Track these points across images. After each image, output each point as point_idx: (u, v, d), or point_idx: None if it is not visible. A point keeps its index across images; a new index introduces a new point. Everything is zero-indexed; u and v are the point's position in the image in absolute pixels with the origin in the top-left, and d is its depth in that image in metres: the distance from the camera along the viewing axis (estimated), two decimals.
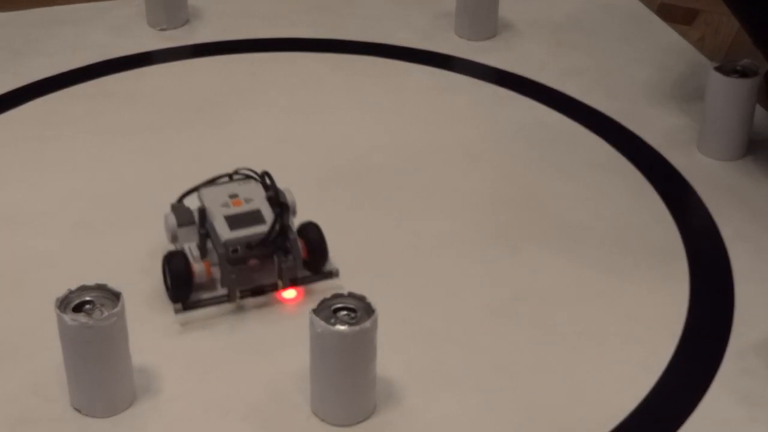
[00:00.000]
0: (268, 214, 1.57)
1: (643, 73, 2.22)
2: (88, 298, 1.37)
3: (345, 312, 1.36)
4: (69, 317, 1.33)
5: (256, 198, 1.60)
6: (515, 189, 1.86)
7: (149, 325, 1.53)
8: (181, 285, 1.55)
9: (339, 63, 2.25)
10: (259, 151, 1.92)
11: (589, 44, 2.33)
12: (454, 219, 1.79)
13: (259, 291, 1.58)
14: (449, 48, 2.30)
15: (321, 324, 1.32)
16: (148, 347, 1.48)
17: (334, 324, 1.32)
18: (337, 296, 1.38)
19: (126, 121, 2.04)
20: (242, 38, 2.33)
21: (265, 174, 1.63)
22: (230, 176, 1.65)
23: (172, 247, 1.61)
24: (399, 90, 2.16)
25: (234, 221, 1.56)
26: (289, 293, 1.59)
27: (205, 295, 1.58)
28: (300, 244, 1.58)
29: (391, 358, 1.49)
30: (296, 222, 1.63)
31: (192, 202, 1.62)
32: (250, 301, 1.58)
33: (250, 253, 1.54)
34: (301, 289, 1.60)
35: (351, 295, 1.38)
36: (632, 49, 2.32)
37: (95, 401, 1.39)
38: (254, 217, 1.56)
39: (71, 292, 1.37)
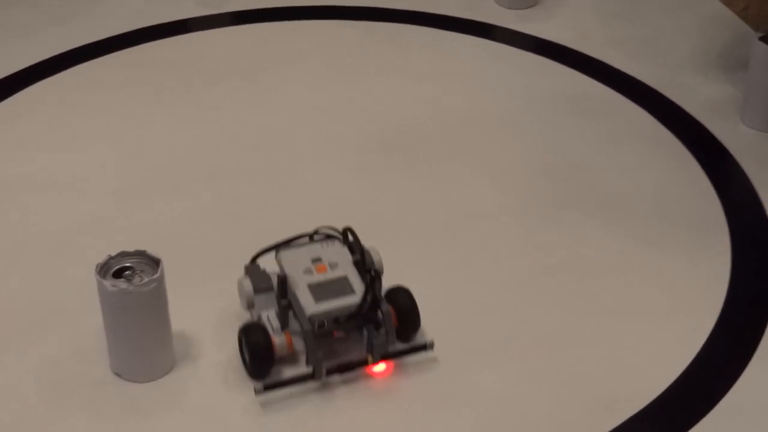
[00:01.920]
0: (356, 281, 1.40)
1: (686, 43, 2.20)
2: (128, 264, 1.37)
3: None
4: (109, 283, 1.34)
5: (341, 262, 1.42)
6: (556, 159, 1.85)
7: (187, 290, 1.53)
8: (262, 361, 1.39)
9: (379, 31, 2.24)
10: (297, 119, 1.92)
11: (632, 13, 2.31)
12: (494, 189, 1.78)
13: (346, 368, 1.40)
14: (491, 17, 2.29)
15: None
16: (187, 314, 1.49)
17: None
18: None
19: (165, 87, 2.05)
20: (281, 5, 2.32)
21: (348, 231, 1.46)
22: (311, 236, 1.48)
23: (246, 316, 1.48)
24: (440, 59, 2.14)
25: (320, 291, 1.38)
26: (380, 367, 1.42)
27: (288, 373, 1.41)
28: (391, 311, 1.40)
29: (431, 327, 1.49)
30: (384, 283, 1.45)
31: (266, 262, 1.48)
32: (337, 377, 1.42)
33: (337, 326, 1.38)
34: (392, 362, 1.43)
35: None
36: (675, 18, 2.29)
37: (135, 366, 1.40)
38: (341, 286, 1.39)
39: (111, 258, 1.38)
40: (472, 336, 1.49)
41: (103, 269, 1.36)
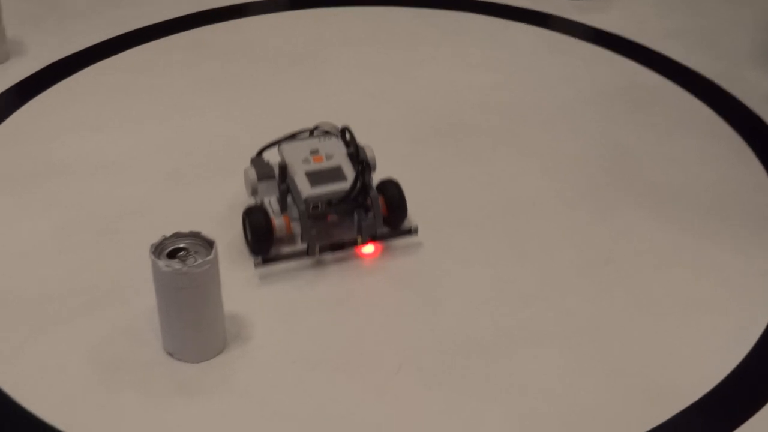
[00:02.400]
0: (349, 171, 1.57)
1: (745, 35, 2.17)
2: (182, 245, 1.38)
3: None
4: (163, 263, 1.34)
5: (336, 154, 1.59)
6: (611, 150, 1.84)
7: (236, 274, 1.54)
8: (262, 239, 1.56)
9: (435, 18, 2.23)
10: (350, 105, 1.92)
11: (692, 4, 2.29)
12: (547, 178, 1.77)
13: (338, 246, 1.58)
14: (549, 6, 2.27)
15: None
16: (239, 296, 1.49)
17: None
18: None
19: (219, 72, 2.05)
20: None
21: (346, 130, 1.62)
22: (311, 132, 1.65)
23: (251, 201, 1.62)
24: (496, 48, 2.13)
25: (315, 177, 1.55)
26: (368, 248, 1.59)
27: (285, 250, 1.58)
28: (380, 201, 1.58)
29: (480, 315, 1.48)
30: (376, 178, 1.63)
31: (272, 156, 1.63)
32: (329, 256, 1.58)
33: (330, 209, 1.55)
34: (380, 244, 1.60)
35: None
36: (735, 10, 2.27)
37: (187, 346, 1.40)
38: (335, 174, 1.56)
39: (166, 238, 1.38)
40: (520, 325, 1.48)
41: (157, 249, 1.37)
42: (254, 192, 1.61)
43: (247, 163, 1.63)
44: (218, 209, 1.68)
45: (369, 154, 1.62)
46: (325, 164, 1.57)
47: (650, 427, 1.34)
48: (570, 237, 1.65)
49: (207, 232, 1.39)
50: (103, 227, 1.65)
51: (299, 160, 1.57)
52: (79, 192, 1.73)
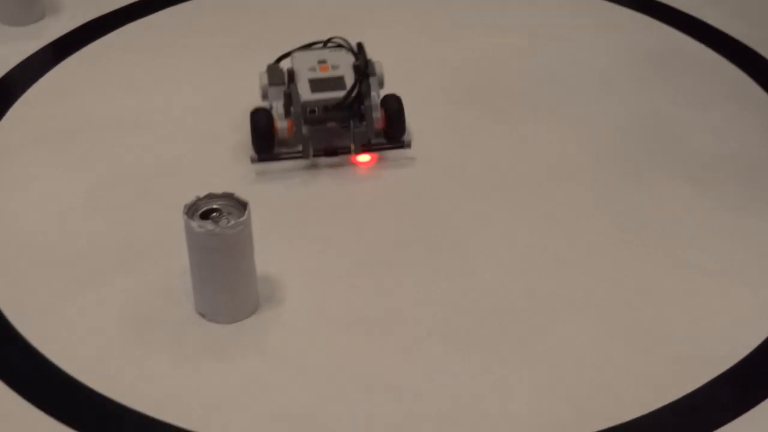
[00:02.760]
0: (350, 81, 1.64)
1: None
2: (215, 206, 1.38)
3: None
4: (196, 224, 1.35)
5: (342, 65, 1.66)
6: (646, 117, 1.82)
7: (270, 235, 1.54)
8: (263, 138, 1.64)
9: None
10: (385, 66, 1.91)
11: None
12: (580, 145, 1.76)
13: (332, 152, 1.66)
14: None
15: None
16: (272, 257, 1.50)
17: None
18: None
19: (256, 33, 2.05)
20: None
21: (359, 45, 1.69)
22: (325, 43, 1.72)
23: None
24: (534, 13, 2.12)
25: (317, 84, 1.62)
26: (363, 157, 1.67)
27: (284, 150, 1.67)
28: (381, 114, 1.65)
29: (512, 280, 1.48)
30: (382, 93, 1.69)
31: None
32: (325, 160, 1.67)
33: (326, 115, 1.62)
34: (375, 154, 1.68)
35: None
36: None
37: (219, 307, 1.41)
38: (336, 83, 1.63)
39: (199, 199, 1.39)
40: (552, 291, 1.48)
41: (190, 210, 1.37)
42: (265, 96, 1.69)
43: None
44: (252, 171, 1.68)
45: (377, 69, 1.68)
46: (329, 73, 1.65)
47: (680, 396, 1.34)
48: (604, 203, 1.64)
49: (241, 193, 1.40)
50: (138, 187, 1.66)
51: (306, 68, 1.66)
52: (114, 151, 1.74)
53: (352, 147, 1.65)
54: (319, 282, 1.49)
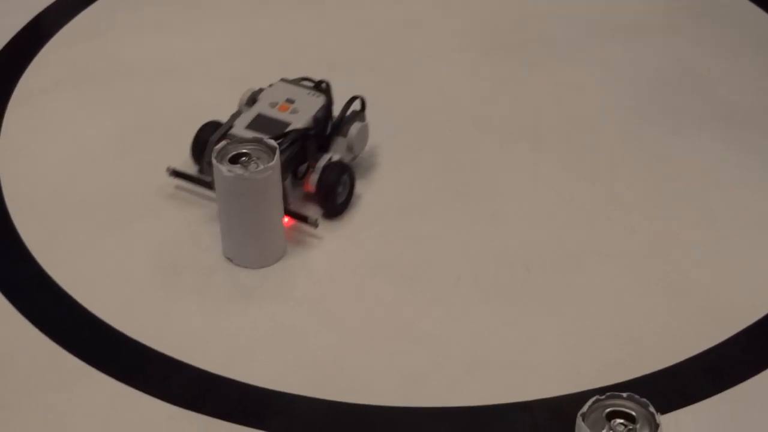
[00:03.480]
0: (293, 130, 1.48)
1: None
2: (244, 151, 1.38)
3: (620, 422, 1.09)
4: (225, 168, 1.35)
5: (305, 113, 1.51)
6: (678, 68, 1.81)
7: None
8: (196, 150, 1.53)
9: None
10: (419, 12, 1.90)
11: None
12: (615, 94, 1.75)
13: None
14: None
15: None
16: (300, 206, 1.50)
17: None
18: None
19: None
20: None
21: (356, 98, 1.54)
22: (318, 84, 1.56)
23: None
24: None
25: (258, 122, 1.49)
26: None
27: (194, 172, 1.53)
28: (316, 175, 1.47)
29: (542, 229, 1.48)
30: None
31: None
32: None
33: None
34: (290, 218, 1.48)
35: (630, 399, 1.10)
36: None
37: (247, 252, 1.42)
38: (277, 128, 1.47)
39: (229, 143, 1.39)
40: (582, 241, 1.48)
41: (220, 154, 1.37)
42: (238, 112, 1.55)
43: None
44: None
45: (351, 132, 1.52)
46: (282, 116, 1.50)
47: (710, 346, 1.33)
48: (636, 153, 1.63)
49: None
50: (168, 130, 1.66)
51: (268, 101, 1.53)
52: (144, 94, 1.74)
53: None
54: (346, 229, 1.49)
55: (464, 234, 1.48)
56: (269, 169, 1.36)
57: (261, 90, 1.56)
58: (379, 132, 1.59)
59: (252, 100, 1.55)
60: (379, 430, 1.24)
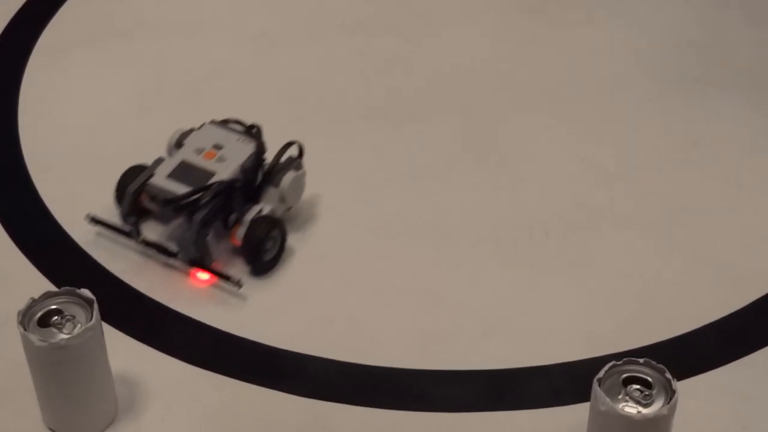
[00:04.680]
0: (217, 183, 1.35)
1: None
2: (54, 308, 1.13)
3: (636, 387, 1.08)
4: (35, 337, 1.10)
5: (233, 163, 1.38)
6: (702, 32, 1.79)
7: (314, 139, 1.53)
8: (119, 195, 1.40)
9: None
10: None
11: None
12: (636, 56, 1.73)
13: (163, 250, 1.38)
14: None
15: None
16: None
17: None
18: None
19: None
20: None
21: (292, 145, 1.41)
22: (249, 128, 1.43)
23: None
24: None
25: (180, 170, 1.37)
26: (201, 274, 1.37)
27: (116, 221, 1.41)
28: (244, 227, 1.36)
29: (562, 193, 1.47)
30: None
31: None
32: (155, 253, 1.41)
33: (161, 209, 1.37)
34: (212, 276, 1.37)
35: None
36: None
37: (72, 420, 1.18)
38: (200, 179, 1.36)
39: (34, 300, 1.13)
40: (602, 205, 1.47)
41: (25, 317, 1.12)
42: (168, 153, 1.44)
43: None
44: (306, 74, 1.66)
45: (284, 182, 1.38)
46: (206, 164, 1.37)
47: (729, 312, 1.33)
48: (658, 117, 1.62)
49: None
50: (187, 89, 1.66)
51: (194, 147, 1.40)
52: (164, 52, 1.74)
53: (176, 249, 1.37)
54: (366, 190, 1.49)
55: (484, 198, 1.48)
56: (89, 330, 1.11)
57: (190, 131, 1.43)
58: (397, 95, 1.57)
59: (179, 143, 1.43)
60: (395, 392, 1.24)
